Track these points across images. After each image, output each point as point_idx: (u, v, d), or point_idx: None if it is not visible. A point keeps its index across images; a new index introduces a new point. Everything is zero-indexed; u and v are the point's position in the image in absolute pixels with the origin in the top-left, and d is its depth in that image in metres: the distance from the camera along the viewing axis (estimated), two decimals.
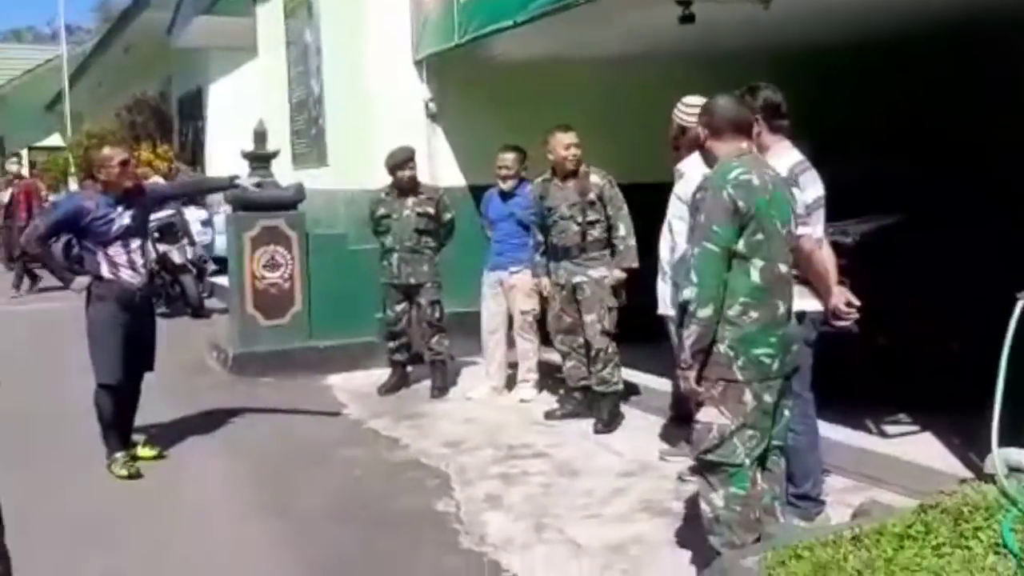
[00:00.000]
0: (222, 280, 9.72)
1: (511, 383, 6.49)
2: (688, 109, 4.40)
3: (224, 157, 14.18)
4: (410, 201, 6.49)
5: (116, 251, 4.79)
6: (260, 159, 7.45)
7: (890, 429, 5.16)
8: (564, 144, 5.52)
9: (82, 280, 4.79)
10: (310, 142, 9.07)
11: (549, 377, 6.58)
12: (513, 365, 6.50)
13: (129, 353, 4.83)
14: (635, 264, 5.51)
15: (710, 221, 3.11)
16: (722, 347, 3.17)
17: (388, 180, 6.67)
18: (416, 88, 7.77)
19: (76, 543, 4.10)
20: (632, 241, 5.53)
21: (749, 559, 3.05)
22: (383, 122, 7.75)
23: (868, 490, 4.35)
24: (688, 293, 3.13)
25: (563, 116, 6.17)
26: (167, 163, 14.86)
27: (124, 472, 4.83)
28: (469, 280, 7.17)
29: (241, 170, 12.49)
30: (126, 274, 4.82)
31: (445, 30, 7.07)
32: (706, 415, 3.27)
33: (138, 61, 17.34)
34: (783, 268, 3.24)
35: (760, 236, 3.14)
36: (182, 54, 15.53)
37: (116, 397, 4.87)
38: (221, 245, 10.52)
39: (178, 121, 17.11)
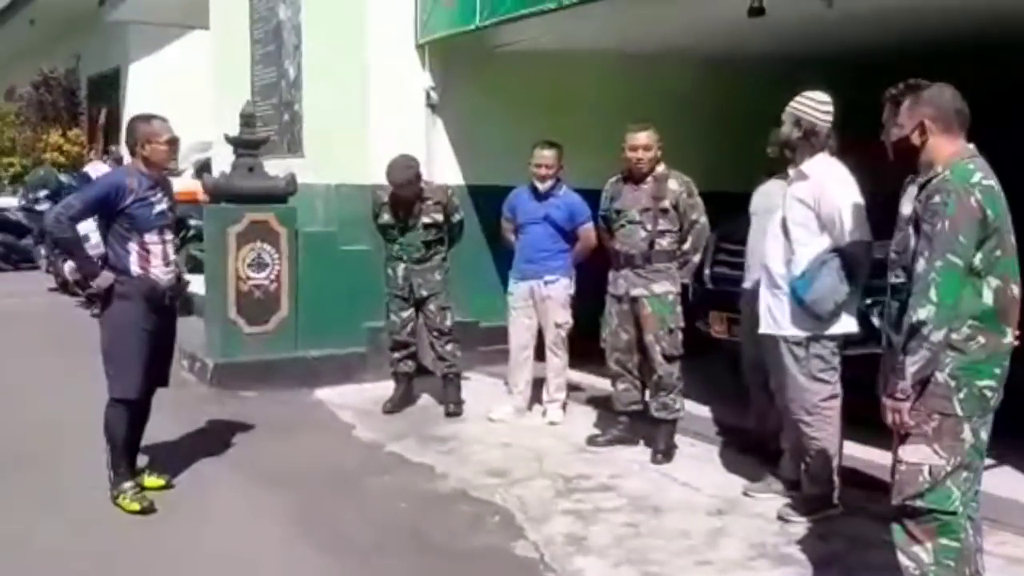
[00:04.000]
0: None
1: (532, 402, 5.89)
2: (821, 107, 3.93)
3: None
4: (416, 210, 5.79)
5: (153, 240, 4.00)
6: (248, 145, 6.58)
7: None
8: (632, 144, 4.94)
9: (108, 275, 3.93)
10: (280, 130, 8.19)
11: (567, 396, 6.03)
12: (537, 382, 5.90)
13: (150, 364, 4.02)
14: (686, 281, 5.13)
15: (956, 230, 2.69)
16: (942, 376, 2.79)
17: (378, 173, 5.94)
18: (416, 75, 7.05)
19: None
20: (696, 259, 5.10)
21: None
22: (375, 112, 7.02)
23: (993, 534, 3.96)
24: (924, 313, 2.71)
25: (585, 114, 5.67)
26: (80, 149, 13.51)
27: (136, 506, 4.00)
28: (470, 289, 6.58)
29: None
30: (158, 270, 4.02)
31: (462, 10, 6.40)
32: (916, 454, 2.85)
33: (43, 36, 15.83)
34: (1016, 289, 2.83)
35: (999, 252, 2.77)
36: (96, 30, 14.23)
37: (132, 415, 4.06)
38: None
39: (88, 104, 15.70)
